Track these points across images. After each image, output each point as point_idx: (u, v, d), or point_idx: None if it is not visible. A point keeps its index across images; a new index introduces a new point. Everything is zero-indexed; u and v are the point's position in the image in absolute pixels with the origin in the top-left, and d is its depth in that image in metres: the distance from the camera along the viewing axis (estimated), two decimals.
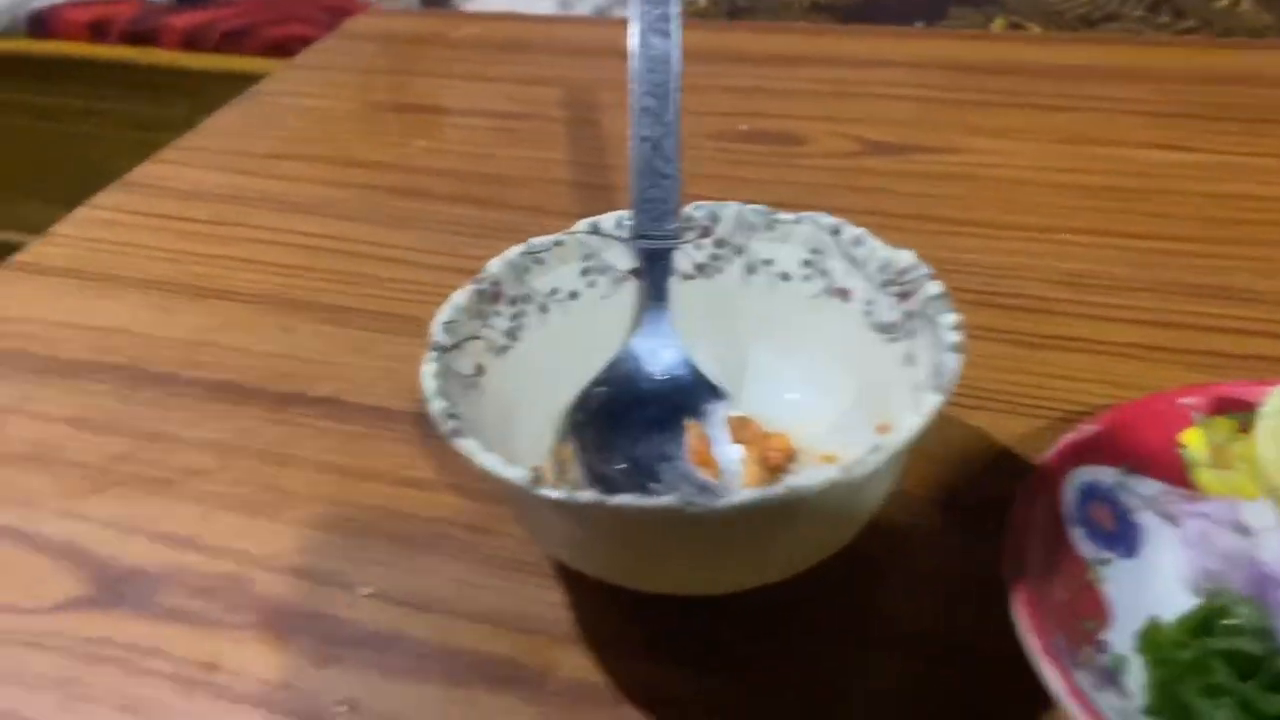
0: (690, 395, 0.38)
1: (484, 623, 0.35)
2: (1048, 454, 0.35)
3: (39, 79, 1.64)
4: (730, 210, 0.40)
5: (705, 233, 0.40)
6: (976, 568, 0.34)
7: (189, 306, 0.51)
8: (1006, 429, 0.40)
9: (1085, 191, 0.53)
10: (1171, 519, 0.35)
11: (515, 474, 0.29)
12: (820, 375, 0.39)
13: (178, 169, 0.62)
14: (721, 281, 0.40)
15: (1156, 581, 0.34)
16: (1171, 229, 0.50)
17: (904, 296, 0.36)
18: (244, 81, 0.72)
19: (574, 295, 0.40)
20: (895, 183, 0.56)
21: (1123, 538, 0.35)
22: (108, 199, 0.60)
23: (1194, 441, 0.36)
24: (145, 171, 0.62)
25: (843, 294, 0.38)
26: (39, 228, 0.58)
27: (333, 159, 0.62)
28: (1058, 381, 0.42)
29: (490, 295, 0.37)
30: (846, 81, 0.65)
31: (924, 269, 0.36)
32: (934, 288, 0.35)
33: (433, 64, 0.73)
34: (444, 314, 0.36)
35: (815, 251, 0.39)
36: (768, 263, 0.40)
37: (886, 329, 0.37)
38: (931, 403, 0.30)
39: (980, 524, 0.36)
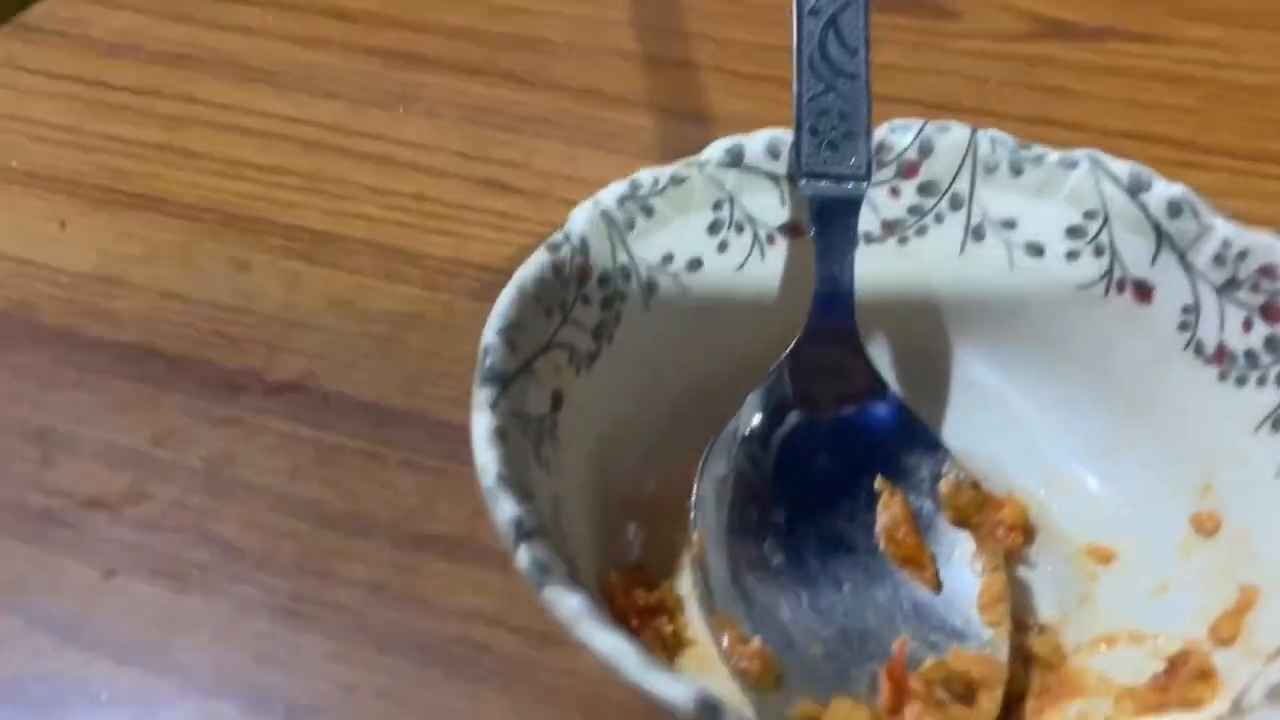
0: (885, 442, 0.24)
1: None
2: None
3: None
4: (954, 136, 0.25)
5: (909, 171, 0.25)
6: None
7: (100, 222, 0.35)
8: None
9: None
10: None
11: (680, 696, 0.15)
12: (1081, 411, 0.25)
13: (99, 10, 0.45)
14: (925, 251, 0.25)
15: None
16: None
17: (1271, 313, 0.22)
18: None
19: (696, 264, 0.25)
20: (1086, 82, 0.40)
21: None
22: None
23: None
24: (52, 11, 0.45)
25: (1140, 290, 0.24)
26: None
27: (309, 4, 0.45)
28: None
29: (574, 270, 0.23)
30: None
31: None
32: None
33: None
34: (502, 311, 0.21)
35: (1093, 216, 0.24)
36: (1007, 226, 0.25)
37: (1225, 359, 0.22)
38: None
39: None
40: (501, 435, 0.19)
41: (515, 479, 0.18)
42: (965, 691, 0.20)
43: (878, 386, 0.24)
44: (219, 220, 0.35)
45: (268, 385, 0.30)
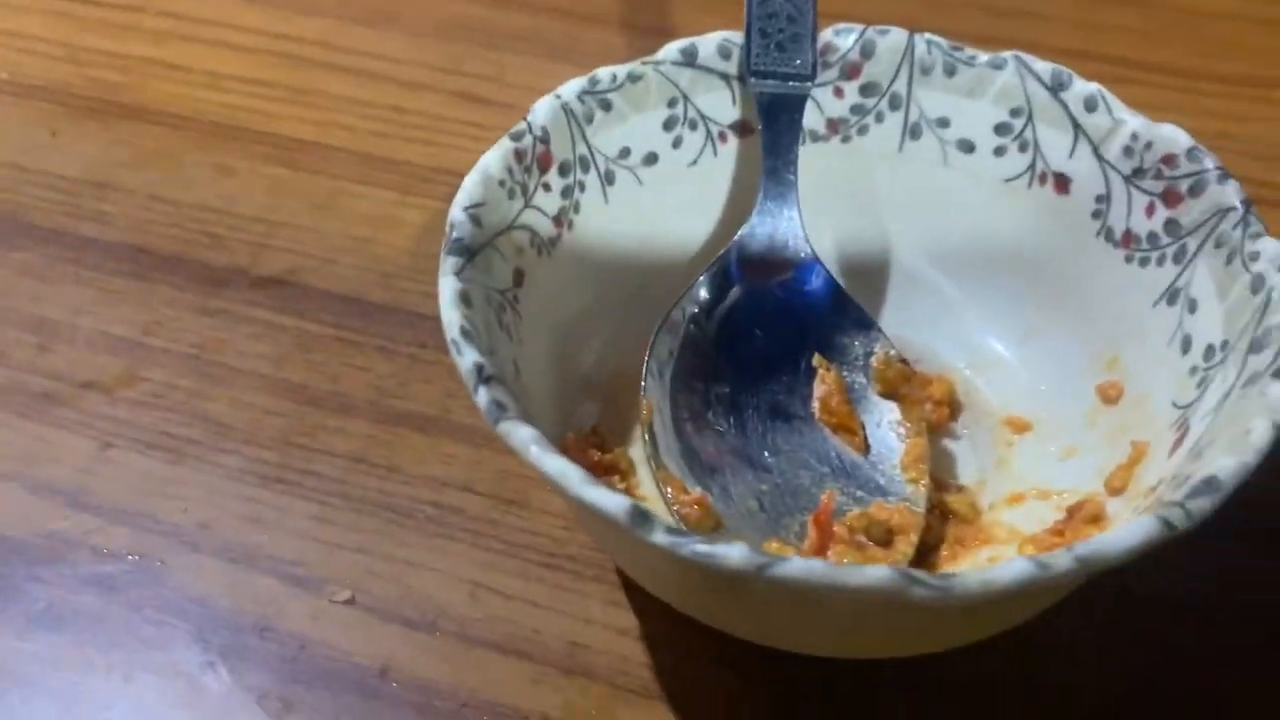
0: (823, 322, 0.26)
1: (514, 655, 0.24)
2: None
3: None
4: (893, 40, 0.27)
5: (852, 72, 0.27)
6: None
7: (88, 130, 0.37)
8: None
9: None
10: None
11: (614, 505, 0.17)
12: (1005, 296, 0.27)
13: None
14: (866, 148, 0.27)
15: None
16: None
17: (1170, 198, 0.24)
18: None
19: (652, 159, 0.27)
20: (1039, 2, 0.42)
21: None
22: None
23: None
24: None
25: (1059, 182, 0.26)
26: None
27: None
28: None
29: (535, 159, 0.24)
30: None
31: (1208, 161, 0.23)
32: (1229, 192, 0.23)
33: None
34: (468, 191, 0.23)
35: (1019, 114, 0.26)
36: (941, 124, 0.27)
37: (1131, 243, 0.24)
38: (1260, 436, 0.18)
39: None
40: (465, 298, 0.21)
41: (478, 334, 0.20)
42: (884, 537, 0.23)
43: (818, 272, 0.26)
44: (204, 129, 0.37)
45: (253, 280, 0.32)
